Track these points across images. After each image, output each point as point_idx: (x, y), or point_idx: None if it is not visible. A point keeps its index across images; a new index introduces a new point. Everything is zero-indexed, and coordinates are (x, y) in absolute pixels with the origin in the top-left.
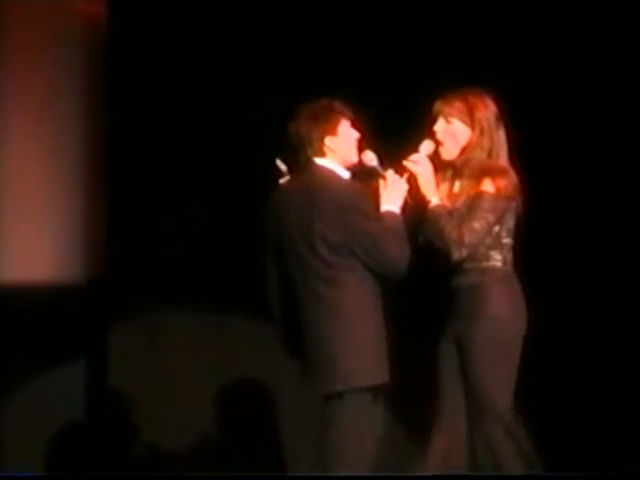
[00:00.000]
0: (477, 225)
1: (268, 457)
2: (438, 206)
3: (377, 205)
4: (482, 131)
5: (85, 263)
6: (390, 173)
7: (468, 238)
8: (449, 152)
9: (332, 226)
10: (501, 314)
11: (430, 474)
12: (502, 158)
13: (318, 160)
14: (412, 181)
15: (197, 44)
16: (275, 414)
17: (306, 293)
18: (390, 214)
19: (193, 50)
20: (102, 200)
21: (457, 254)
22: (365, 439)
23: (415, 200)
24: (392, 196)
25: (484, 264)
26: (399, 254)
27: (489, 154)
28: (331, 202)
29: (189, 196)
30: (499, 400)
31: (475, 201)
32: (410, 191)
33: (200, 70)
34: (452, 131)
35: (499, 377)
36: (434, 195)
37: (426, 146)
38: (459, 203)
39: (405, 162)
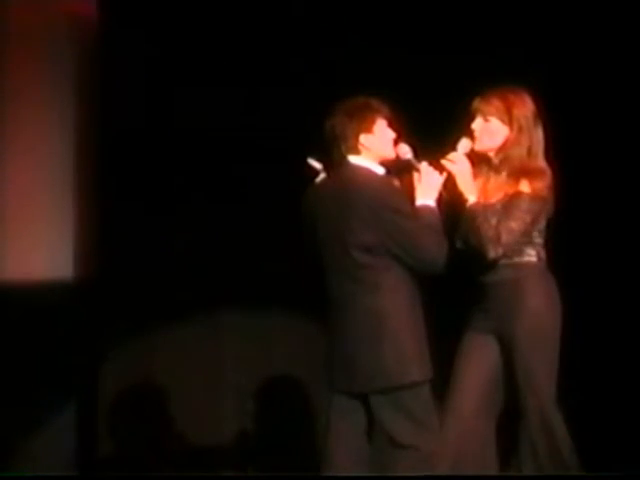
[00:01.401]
0: (514, 225)
1: (302, 460)
2: (476, 204)
3: (412, 199)
4: (520, 129)
5: (77, 266)
6: (424, 166)
7: (505, 237)
8: (487, 150)
9: (367, 225)
10: (539, 309)
11: (438, 474)
12: (540, 156)
13: (352, 158)
14: (450, 180)
15: (200, 41)
16: (302, 415)
17: (342, 292)
18: (426, 208)
19: (192, 49)
20: (94, 203)
21: (493, 253)
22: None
23: (452, 198)
24: (427, 189)
25: (519, 259)
26: (437, 250)
27: (528, 152)
28: (366, 201)
29: (183, 199)
30: (542, 396)
31: (513, 201)
32: (447, 189)
33: (195, 69)
34: (490, 129)
35: (541, 372)
36: (472, 193)
37: (464, 144)
38: (495, 200)
39: (443, 161)
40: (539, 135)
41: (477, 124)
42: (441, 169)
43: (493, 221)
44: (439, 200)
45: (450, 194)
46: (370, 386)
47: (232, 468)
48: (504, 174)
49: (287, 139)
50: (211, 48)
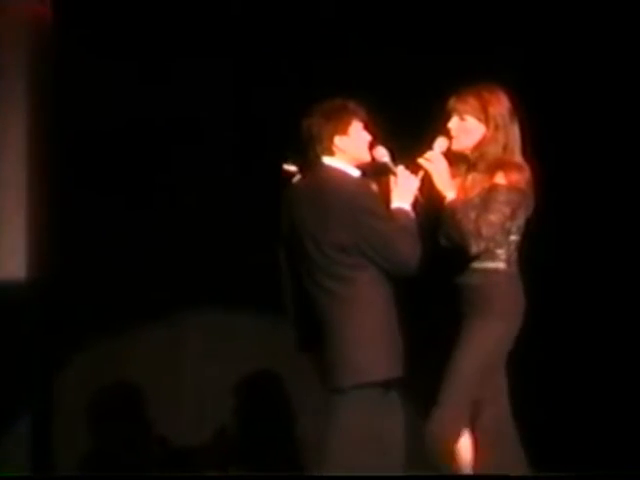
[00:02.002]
0: (494, 218)
1: (283, 458)
2: (455, 201)
3: (388, 202)
4: (496, 127)
5: (33, 266)
6: (401, 169)
7: (485, 231)
8: (464, 149)
9: (342, 226)
10: (497, 316)
11: (432, 474)
12: (516, 153)
13: (327, 160)
14: (427, 179)
15: (159, 39)
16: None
17: (317, 291)
18: (401, 211)
19: (156, 46)
20: (49, 201)
21: (475, 247)
22: (374, 434)
23: (430, 196)
24: (403, 193)
25: (489, 265)
26: (411, 253)
27: (504, 149)
28: (340, 203)
29: (142, 198)
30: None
31: (490, 194)
32: (424, 188)
33: (145, 69)
34: (466, 128)
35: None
36: (450, 191)
37: (440, 143)
38: (472, 195)
39: (420, 160)
40: (515, 132)
41: (453, 123)
42: (418, 169)
43: (472, 215)
44: (415, 204)
45: (428, 193)
46: (339, 382)
47: (212, 468)
48: (480, 170)
49: (265, 138)
50: (169, 47)
